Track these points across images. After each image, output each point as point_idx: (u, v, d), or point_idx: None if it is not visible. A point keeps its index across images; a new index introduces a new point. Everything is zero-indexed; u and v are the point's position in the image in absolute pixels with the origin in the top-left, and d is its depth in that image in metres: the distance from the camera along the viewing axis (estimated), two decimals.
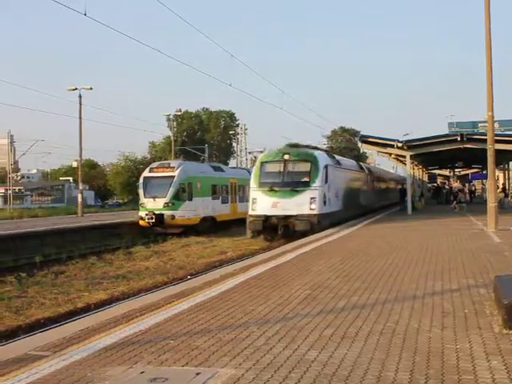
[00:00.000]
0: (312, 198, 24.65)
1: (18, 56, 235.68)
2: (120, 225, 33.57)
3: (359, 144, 63.61)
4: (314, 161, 25.83)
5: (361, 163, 43.76)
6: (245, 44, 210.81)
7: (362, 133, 74.15)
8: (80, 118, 46.29)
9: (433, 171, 73.93)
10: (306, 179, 25.27)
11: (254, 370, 5.45)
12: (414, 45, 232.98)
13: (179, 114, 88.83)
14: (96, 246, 27.77)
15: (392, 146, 37.23)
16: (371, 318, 7.61)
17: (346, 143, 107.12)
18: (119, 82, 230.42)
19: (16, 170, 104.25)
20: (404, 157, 39.47)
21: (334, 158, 31.04)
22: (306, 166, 25.65)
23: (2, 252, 23.76)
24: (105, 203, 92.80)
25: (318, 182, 25.19)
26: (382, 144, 38.60)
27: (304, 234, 22.70)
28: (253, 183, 26.06)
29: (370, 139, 38.77)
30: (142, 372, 5.52)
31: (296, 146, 28.53)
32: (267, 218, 24.62)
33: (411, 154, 37.48)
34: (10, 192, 69.14)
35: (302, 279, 11.02)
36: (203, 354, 6.04)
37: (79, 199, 46.16)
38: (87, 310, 13.78)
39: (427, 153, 38.70)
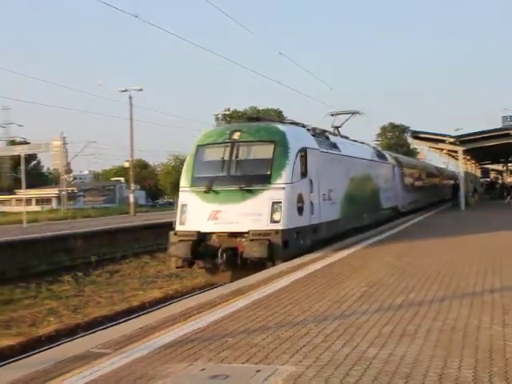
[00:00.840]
0: (275, 203, 14.68)
1: (70, 58, 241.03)
2: (172, 224, 33.88)
3: (409, 140, 62.80)
4: (280, 141, 15.63)
5: (384, 151, 32.48)
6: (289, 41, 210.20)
7: (411, 128, 73.14)
8: (131, 118, 47.10)
9: (485, 166, 72.59)
10: (267, 171, 15.25)
11: (314, 367, 5.43)
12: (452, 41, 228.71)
13: (228, 113, 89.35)
14: (149, 245, 28.14)
15: (443, 142, 36.76)
16: (430, 315, 7.51)
17: (396, 139, 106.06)
18: (168, 81, 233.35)
19: (68, 171, 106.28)
20: (456, 152, 38.85)
21: (325, 138, 19.75)
22: (266, 151, 15.55)
23: (59, 252, 24.35)
24: (156, 203, 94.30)
25: (286, 176, 15.09)
26: (434, 139, 38.13)
27: (262, 265, 13.83)
28: (183, 180, 16.15)
29: (421, 135, 38.37)
30: (202, 369, 5.55)
31: (257, 119, 19.31)
32: (202, 236, 14.87)
33: (463, 149, 36.86)
34: (63, 193, 70.75)
35: (356, 277, 10.95)
36: (262, 352, 6.04)
37: (131, 199, 46.95)
38: (142, 308, 14.06)
39: (480, 147, 37.99)
